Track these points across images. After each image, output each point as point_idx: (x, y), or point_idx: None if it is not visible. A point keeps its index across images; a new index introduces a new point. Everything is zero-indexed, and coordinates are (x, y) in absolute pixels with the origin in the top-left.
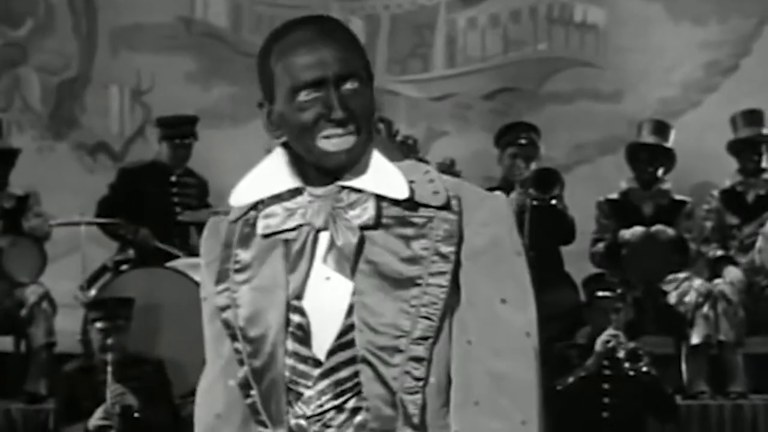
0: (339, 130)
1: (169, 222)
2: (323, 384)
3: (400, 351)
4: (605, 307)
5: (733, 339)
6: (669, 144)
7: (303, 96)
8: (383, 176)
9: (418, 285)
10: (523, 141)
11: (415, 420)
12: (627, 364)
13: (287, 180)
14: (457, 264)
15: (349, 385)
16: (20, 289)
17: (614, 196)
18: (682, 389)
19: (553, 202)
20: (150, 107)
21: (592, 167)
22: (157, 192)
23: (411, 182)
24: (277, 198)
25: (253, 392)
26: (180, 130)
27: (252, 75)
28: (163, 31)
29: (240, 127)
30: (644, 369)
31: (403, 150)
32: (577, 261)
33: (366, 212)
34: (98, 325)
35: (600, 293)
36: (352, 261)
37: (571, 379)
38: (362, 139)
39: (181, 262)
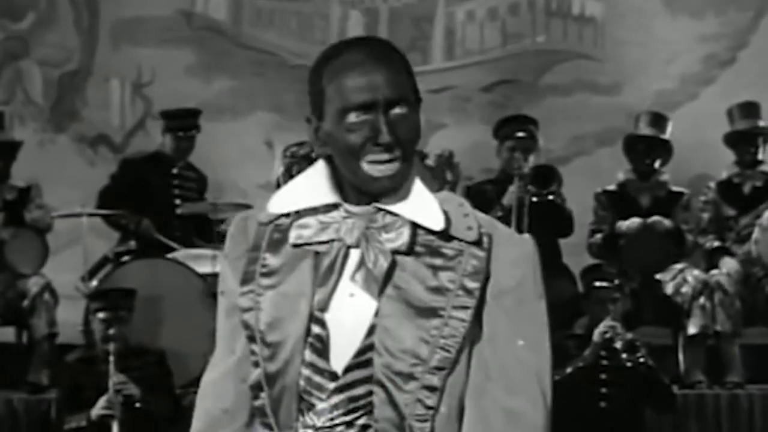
0: (385, 156)
1: (169, 214)
2: (337, 398)
3: (415, 378)
4: (603, 297)
5: (729, 329)
6: (666, 136)
7: (352, 117)
8: (421, 204)
9: (441, 316)
10: (521, 134)
11: None
12: (624, 355)
13: (326, 194)
14: (482, 300)
15: (362, 403)
16: (22, 280)
17: (612, 187)
18: (679, 379)
19: (551, 197)
20: (150, 100)
21: (590, 159)
22: (159, 183)
23: (446, 213)
24: (313, 210)
25: (263, 395)
26: (183, 122)
27: (251, 68)
28: (163, 25)
29: (240, 120)
30: (641, 360)
31: None
32: (576, 253)
33: (400, 237)
34: (100, 315)
35: (597, 284)
36: (380, 283)
37: (569, 370)
38: (406, 166)
39: (182, 254)
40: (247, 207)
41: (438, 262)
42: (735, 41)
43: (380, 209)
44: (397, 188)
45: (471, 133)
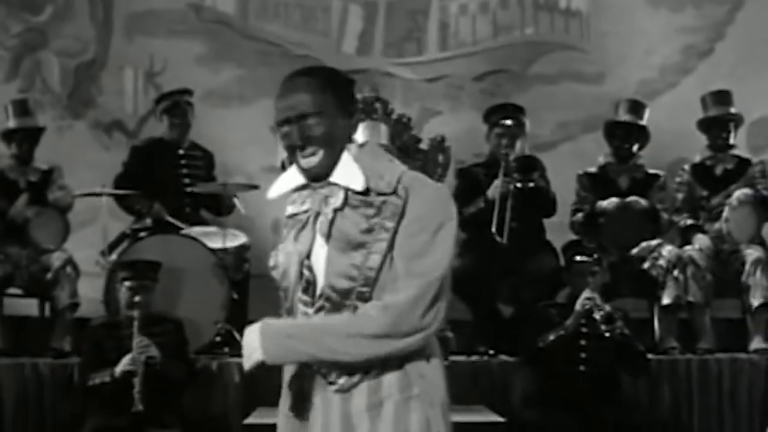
0: (305, 152)
1: (179, 194)
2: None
3: (349, 292)
4: (583, 270)
5: (701, 300)
6: (643, 122)
7: (283, 129)
8: (349, 174)
9: (366, 248)
10: (508, 122)
11: None
12: (603, 325)
13: (300, 178)
14: (395, 233)
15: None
16: (46, 255)
17: (593, 170)
18: (654, 346)
19: (531, 185)
20: (162, 88)
21: (575, 144)
22: (167, 165)
23: (369, 176)
24: (297, 190)
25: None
26: (171, 98)
27: (257, 58)
28: (174, 17)
29: (246, 106)
30: (618, 328)
31: (398, 127)
32: (559, 231)
33: (338, 200)
34: (127, 284)
35: (578, 258)
36: (326, 232)
37: (551, 337)
38: (326, 154)
39: (196, 230)
40: (255, 188)
41: (368, 211)
42: (712, 33)
43: (330, 183)
44: (326, 170)
45: (464, 119)
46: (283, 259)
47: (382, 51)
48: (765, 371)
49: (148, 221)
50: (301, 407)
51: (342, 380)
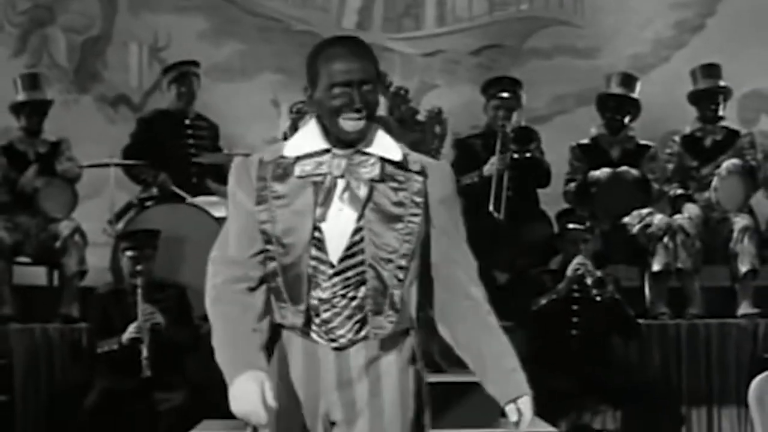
0: (355, 116)
1: (185, 164)
2: (336, 279)
3: (392, 261)
4: (575, 238)
5: (690, 267)
6: (635, 95)
7: (336, 90)
8: (386, 146)
9: (403, 221)
10: (505, 94)
11: (397, 306)
12: (594, 290)
13: (320, 142)
14: (426, 208)
15: (352, 282)
16: (54, 224)
17: (585, 141)
18: (645, 312)
19: (528, 155)
20: (166, 63)
21: (569, 117)
22: (173, 136)
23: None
24: (310, 154)
25: (279, 279)
26: (178, 69)
27: (258, 33)
28: None
29: (248, 80)
30: (609, 293)
31: (396, 100)
32: (553, 201)
33: (374, 170)
34: (128, 253)
35: (571, 226)
36: (363, 201)
37: (544, 301)
38: (369, 123)
39: (200, 200)
40: None
41: (397, 185)
42: (704, 8)
43: (357, 151)
44: (363, 138)
45: (460, 93)
46: (288, 215)
47: (381, 26)
48: (752, 335)
49: (155, 191)
50: (297, 368)
51: (343, 339)
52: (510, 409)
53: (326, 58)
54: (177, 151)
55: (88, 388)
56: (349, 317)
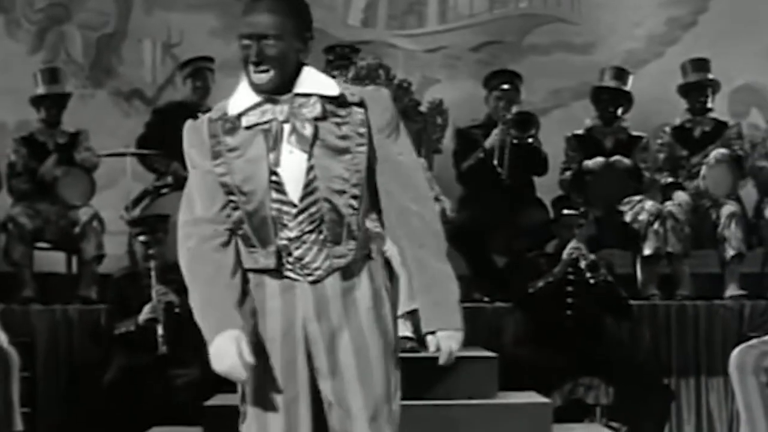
0: (258, 68)
1: None
2: (301, 217)
3: (344, 192)
4: (570, 223)
5: (680, 251)
6: (627, 87)
7: (244, 42)
8: (321, 83)
9: (350, 152)
10: (506, 86)
11: (355, 234)
12: (588, 273)
13: (253, 96)
14: (369, 138)
15: (316, 216)
16: (73, 211)
17: (580, 131)
18: (637, 293)
19: (530, 140)
20: (179, 59)
21: (566, 110)
22: None
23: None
24: (254, 104)
25: (245, 226)
26: (194, 64)
27: None
28: None
29: None
30: (602, 276)
31: (399, 92)
32: (549, 190)
33: (315, 108)
34: (141, 238)
35: (566, 211)
36: (311, 140)
37: (541, 283)
38: (278, 73)
39: None
40: None
41: (339, 120)
42: (696, 6)
43: (296, 94)
44: (278, 86)
45: (461, 87)
46: (243, 164)
47: (386, 23)
48: (738, 315)
49: (169, 179)
50: (275, 304)
51: (319, 271)
52: (429, 340)
53: (243, 10)
54: None
55: (106, 365)
56: (320, 250)
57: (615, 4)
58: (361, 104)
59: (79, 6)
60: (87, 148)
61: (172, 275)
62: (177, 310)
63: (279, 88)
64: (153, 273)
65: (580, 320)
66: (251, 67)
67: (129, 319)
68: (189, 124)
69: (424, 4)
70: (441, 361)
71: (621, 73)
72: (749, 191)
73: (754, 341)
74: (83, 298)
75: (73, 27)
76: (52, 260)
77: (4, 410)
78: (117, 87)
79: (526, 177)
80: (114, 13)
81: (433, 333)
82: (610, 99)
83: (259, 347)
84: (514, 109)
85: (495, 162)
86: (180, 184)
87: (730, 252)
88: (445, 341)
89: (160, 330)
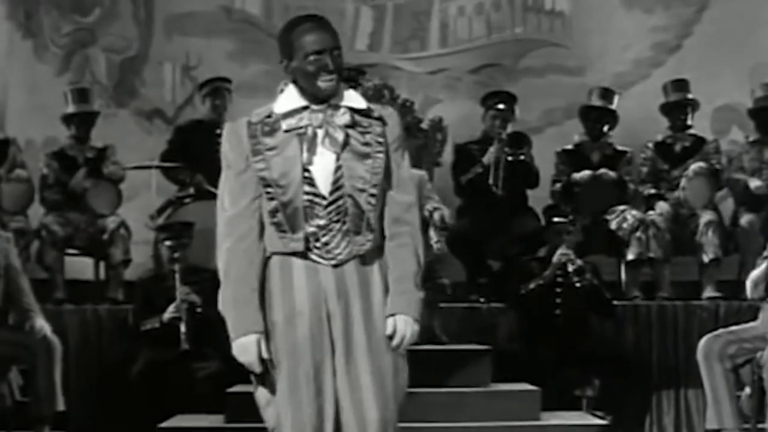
0: (329, 77)
1: (218, 166)
2: (330, 208)
3: (365, 191)
4: (560, 230)
5: (661, 256)
6: (613, 106)
7: (312, 58)
8: (352, 98)
9: (370, 157)
10: (501, 106)
11: (373, 227)
12: (576, 278)
13: (300, 101)
14: (387, 147)
15: (342, 209)
16: (102, 219)
17: (569, 147)
18: (621, 295)
19: (522, 157)
20: (197, 80)
21: (559, 129)
22: (206, 143)
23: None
24: (291, 111)
25: (279, 215)
26: (213, 84)
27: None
28: (208, 18)
29: (272, 97)
30: (588, 279)
31: (402, 110)
32: (540, 202)
33: (345, 117)
34: (167, 243)
35: (555, 219)
36: (341, 144)
37: (532, 285)
38: (338, 80)
39: None
40: None
41: (363, 129)
42: (681, 31)
43: (330, 105)
44: (335, 94)
45: (461, 107)
46: (281, 162)
47: (390, 48)
48: (714, 315)
49: (191, 190)
50: (301, 283)
51: (341, 256)
52: (388, 321)
53: (299, 33)
54: (210, 155)
55: (133, 360)
56: (343, 238)
57: (605, 30)
58: (380, 118)
59: (103, 31)
60: (114, 162)
61: (194, 277)
62: (199, 309)
63: (335, 94)
64: (177, 275)
65: (568, 319)
66: (324, 75)
67: (154, 317)
68: (228, 126)
69: (426, 30)
70: (394, 343)
71: (607, 93)
72: (728, 202)
73: (719, 331)
74: (111, 300)
75: (98, 50)
76: (81, 266)
77: (49, 392)
78: (139, 107)
79: (519, 189)
80: (136, 38)
81: (393, 316)
82: (597, 117)
83: (290, 317)
84: (509, 128)
85: (491, 177)
86: (201, 194)
87: (707, 257)
88: (402, 324)
89: (182, 328)
